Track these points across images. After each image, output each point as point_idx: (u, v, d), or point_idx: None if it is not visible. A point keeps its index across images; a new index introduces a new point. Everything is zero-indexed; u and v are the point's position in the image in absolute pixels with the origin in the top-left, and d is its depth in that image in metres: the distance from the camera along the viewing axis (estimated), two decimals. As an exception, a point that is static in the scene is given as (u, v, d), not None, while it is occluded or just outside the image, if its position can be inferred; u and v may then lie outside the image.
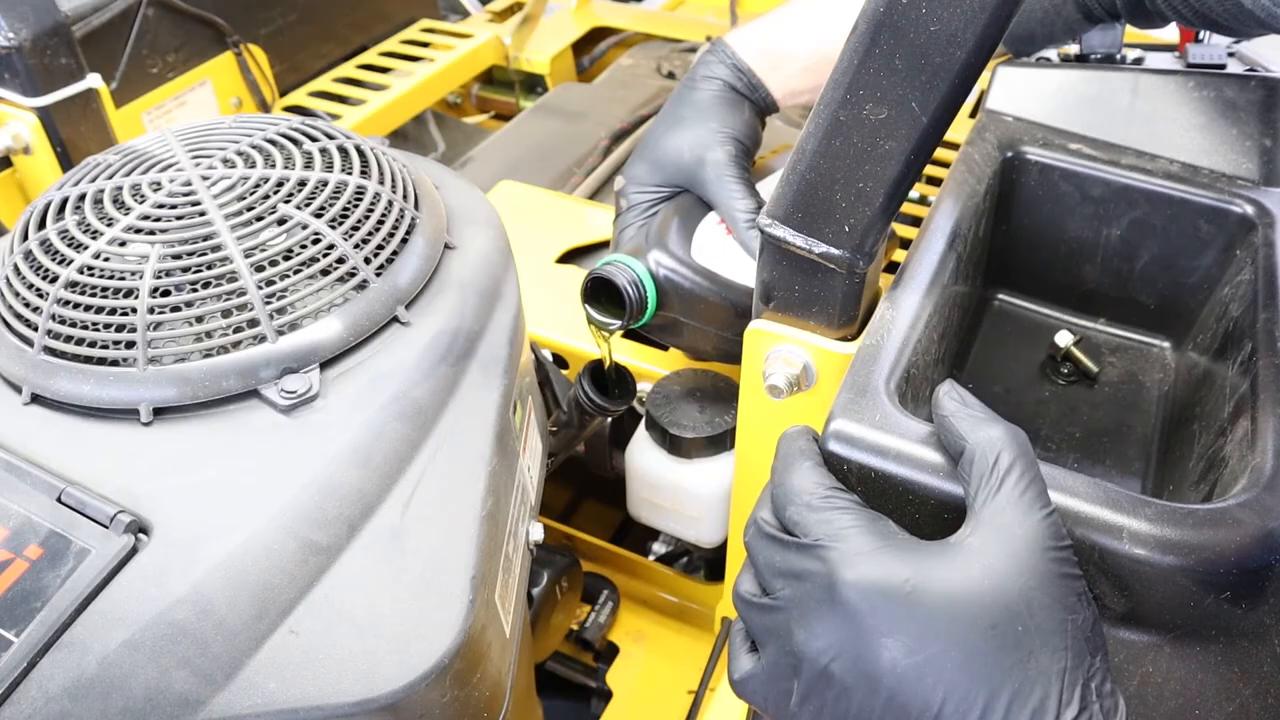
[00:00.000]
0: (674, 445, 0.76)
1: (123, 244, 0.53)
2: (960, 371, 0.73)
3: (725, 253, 0.74)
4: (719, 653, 0.84)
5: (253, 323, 0.51)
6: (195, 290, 0.51)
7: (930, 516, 0.48)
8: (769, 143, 1.28)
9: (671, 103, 0.79)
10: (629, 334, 0.78)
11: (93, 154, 0.61)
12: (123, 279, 0.51)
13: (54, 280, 0.52)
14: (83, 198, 0.57)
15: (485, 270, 0.61)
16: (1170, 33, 0.77)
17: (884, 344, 0.55)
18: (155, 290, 0.51)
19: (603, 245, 0.99)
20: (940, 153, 1.05)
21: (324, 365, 0.53)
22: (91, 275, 0.52)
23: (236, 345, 0.51)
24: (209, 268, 0.52)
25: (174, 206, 0.55)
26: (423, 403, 0.53)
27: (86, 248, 0.53)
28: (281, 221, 0.54)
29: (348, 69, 1.39)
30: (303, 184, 0.56)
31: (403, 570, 0.48)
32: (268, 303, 0.52)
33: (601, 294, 0.73)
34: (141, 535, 0.46)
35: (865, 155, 0.51)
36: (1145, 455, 0.67)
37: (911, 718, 0.40)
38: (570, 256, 0.98)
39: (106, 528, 0.45)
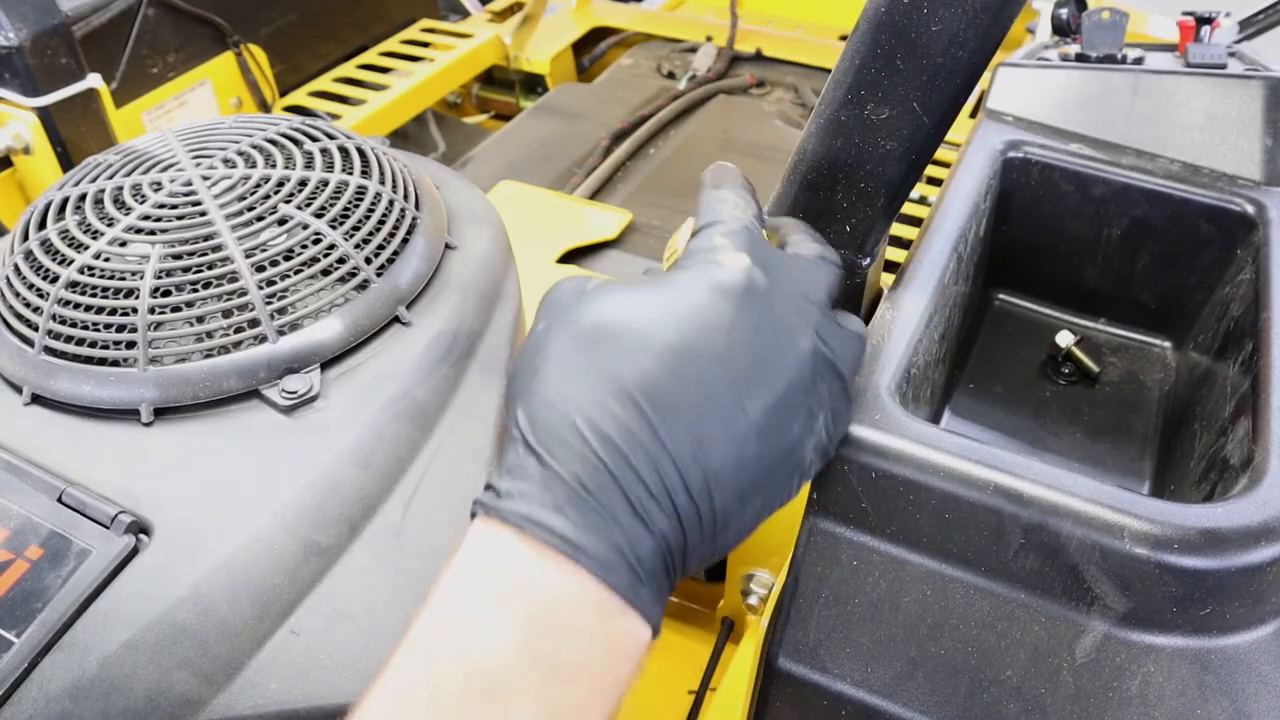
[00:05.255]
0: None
1: (123, 244, 0.53)
2: (961, 371, 0.73)
3: None
4: (719, 653, 0.84)
5: (254, 323, 0.51)
6: (196, 290, 0.51)
7: (931, 516, 0.48)
8: (769, 142, 1.29)
9: None
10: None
11: (93, 154, 0.61)
12: (123, 279, 0.51)
13: (54, 280, 0.52)
14: (83, 198, 0.56)
15: (486, 270, 0.61)
16: (1170, 33, 0.77)
17: (885, 344, 0.55)
18: (156, 290, 0.51)
19: (603, 245, 0.99)
20: (940, 153, 1.05)
21: (325, 365, 0.53)
22: (92, 275, 0.52)
23: (237, 345, 0.51)
24: (210, 268, 0.52)
25: (174, 206, 0.55)
26: (424, 403, 0.53)
27: (87, 248, 0.53)
28: (282, 221, 0.54)
29: (348, 69, 1.39)
30: (303, 184, 0.56)
31: (404, 570, 0.48)
32: (268, 303, 0.52)
33: None
34: (142, 536, 0.46)
35: (866, 155, 0.51)
36: (1146, 455, 0.67)
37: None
38: (570, 256, 0.98)
39: (107, 528, 0.45)
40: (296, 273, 0.53)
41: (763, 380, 0.38)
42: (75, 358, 0.51)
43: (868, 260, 0.55)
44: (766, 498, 0.40)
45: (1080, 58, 0.76)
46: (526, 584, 0.35)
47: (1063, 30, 0.81)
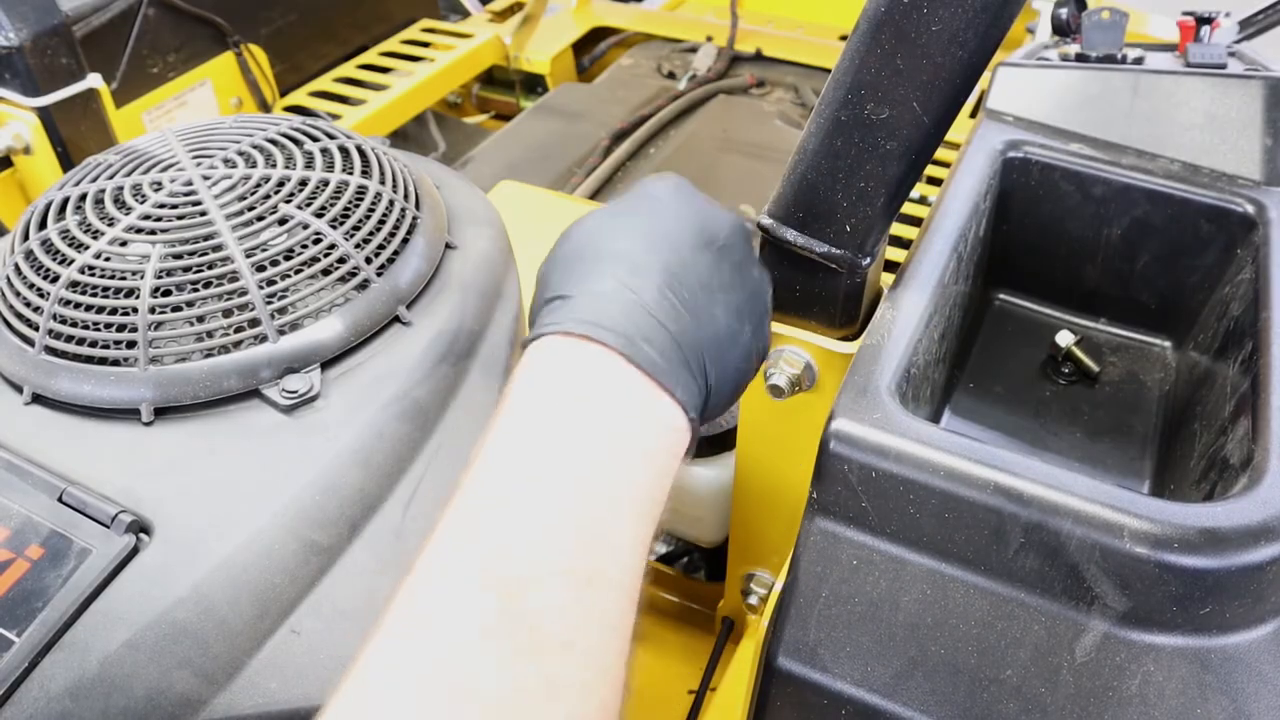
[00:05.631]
0: (674, 445, 0.76)
1: (124, 244, 0.53)
2: (961, 371, 0.73)
3: None
4: (719, 653, 0.84)
5: (254, 322, 0.51)
6: (196, 290, 0.51)
7: (931, 516, 0.48)
8: (769, 142, 1.29)
9: None
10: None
11: (93, 154, 0.61)
12: (124, 279, 0.51)
13: (55, 280, 0.52)
14: (84, 198, 0.56)
15: (486, 270, 0.61)
16: (1170, 33, 0.77)
17: (885, 344, 0.55)
18: (156, 290, 0.51)
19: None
20: (940, 153, 1.05)
21: (325, 365, 0.53)
22: (93, 275, 0.52)
23: (238, 345, 0.51)
24: (210, 267, 0.52)
25: (175, 206, 0.55)
26: (424, 403, 0.53)
27: (87, 248, 0.53)
28: (282, 221, 0.54)
29: (348, 69, 1.39)
30: (304, 184, 0.56)
31: (404, 570, 0.48)
32: (269, 302, 0.52)
33: None
34: (143, 535, 0.46)
35: (867, 155, 0.51)
36: (1146, 455, 0.67)
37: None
38: (570, 256, 0.97)
39: (108, 527, 0.45)
40: (297, 272, 0.53)
41: (710, 228, 0.48)
42: (76, 357, 0.51)
43: (868, 260, 0.55)
44: (754, 325, 0.49)
45: (1080, 58, 0.76)
46: (562, 363, 0.42)
47: (1063, 30, 0.81)
